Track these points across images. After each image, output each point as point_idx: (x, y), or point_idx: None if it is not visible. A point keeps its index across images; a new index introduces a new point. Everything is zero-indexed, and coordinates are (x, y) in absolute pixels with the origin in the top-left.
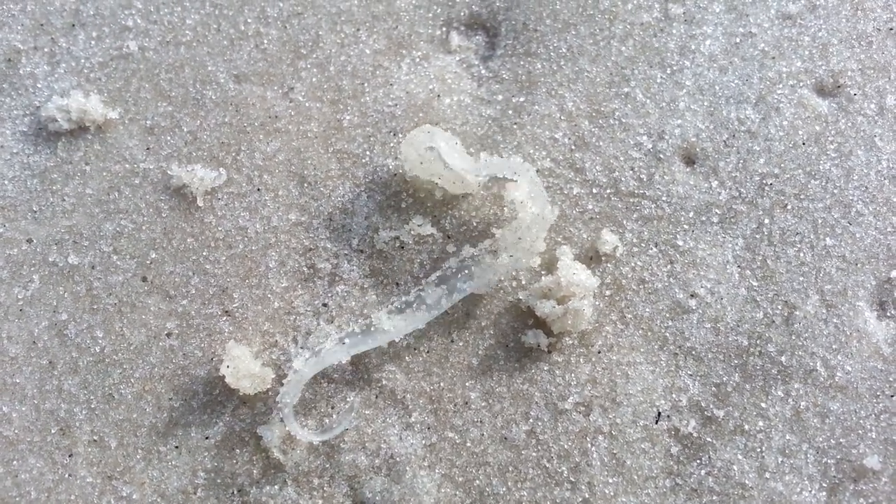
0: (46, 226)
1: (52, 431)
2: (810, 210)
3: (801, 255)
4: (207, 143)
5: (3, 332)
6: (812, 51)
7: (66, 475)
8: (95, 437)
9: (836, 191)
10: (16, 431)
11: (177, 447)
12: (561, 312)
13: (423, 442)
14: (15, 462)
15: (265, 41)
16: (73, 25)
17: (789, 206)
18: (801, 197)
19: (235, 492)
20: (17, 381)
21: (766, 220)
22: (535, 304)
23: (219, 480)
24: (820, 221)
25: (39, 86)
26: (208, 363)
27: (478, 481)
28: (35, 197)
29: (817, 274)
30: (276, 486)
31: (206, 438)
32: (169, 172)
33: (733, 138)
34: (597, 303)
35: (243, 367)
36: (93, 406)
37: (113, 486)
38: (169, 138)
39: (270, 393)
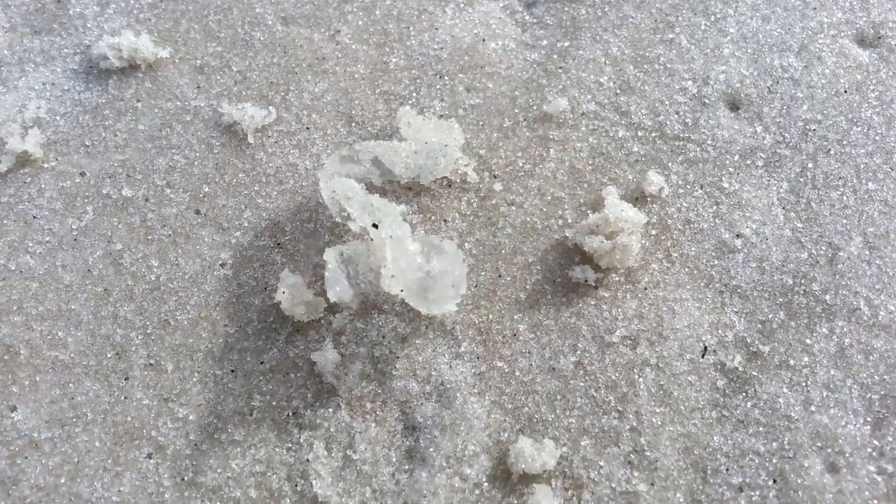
0: (99, 160)
1: (108, 356)
2: (852, 155)
3: (845, 198)
4: (256, 82)
5: (58, 260)
6: (853, 2)
7: (123, 397)
8: (151, 361)
9: (877, 137)
10: (71, 355)
11: (232, 371)
12: (609, 247)
13: (473, 370)
14: (71, 385)
15: None
16: None
17: (832, 152)
18: (844, 143)
19: (290, 414)
20: (73, 307)
21: (810, 165)
22: (583, 239)
23: (273, 403)
24: (862, 166)
25: (89, 25)
26: (262, 292)
27: (526, 408)
28: (87, 132)
29: (860, 217)
30: (330, 409)
31: (261, 363)
32: (220, 110)
33: (777, 85)
34: (643, 241)
35: (297, 295)
36: (149, 331)
37: (169, 408)
38: (219, 77)
39: (323, 322)
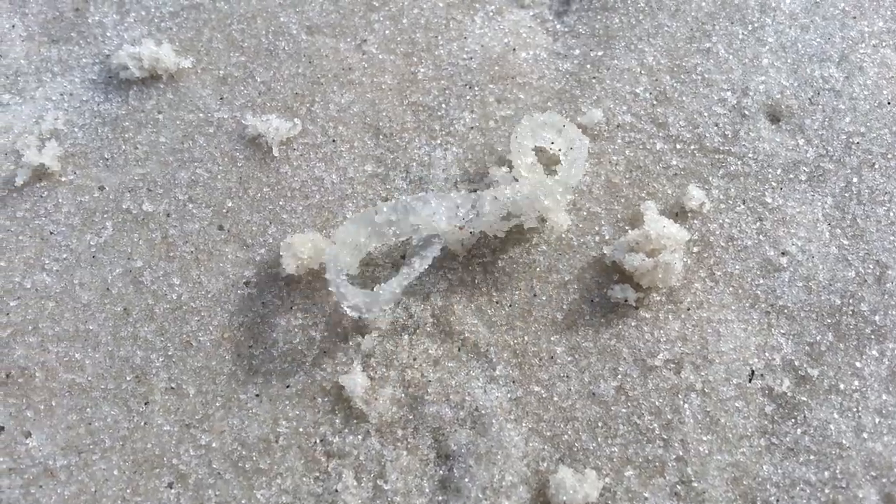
0: (119, 173)
1: (128, 379)
2: None
3: (891, 214)
4: (281, 93)
5: (76, 278)
6: (894, 11)
7: (142, 423)
8: (173, 385)
9: None
10: (89, 378)
11: (257, 395)
12: (651, 266)
13: (509, 395)
14: (88, 409)
15: None
16: None
17: (877, 165)
18: (889, 156)
19: (318, 441)
20: (91, 328)
21: (855, 179)
22: (623, 257)
23: (301, 429)
24: None
25: (109, 34)
26: (287, 311)
27: (566, 436)
28: (107, 145)
29: None
30: (360, 437)
31: (287, 387)
32: (243, 122)
33: (818, 96)
34: (685, 259)
35: (297, 243)
36: (170, 353)
37: (191, 434)
38: (242, 88)
39: (351, 344)
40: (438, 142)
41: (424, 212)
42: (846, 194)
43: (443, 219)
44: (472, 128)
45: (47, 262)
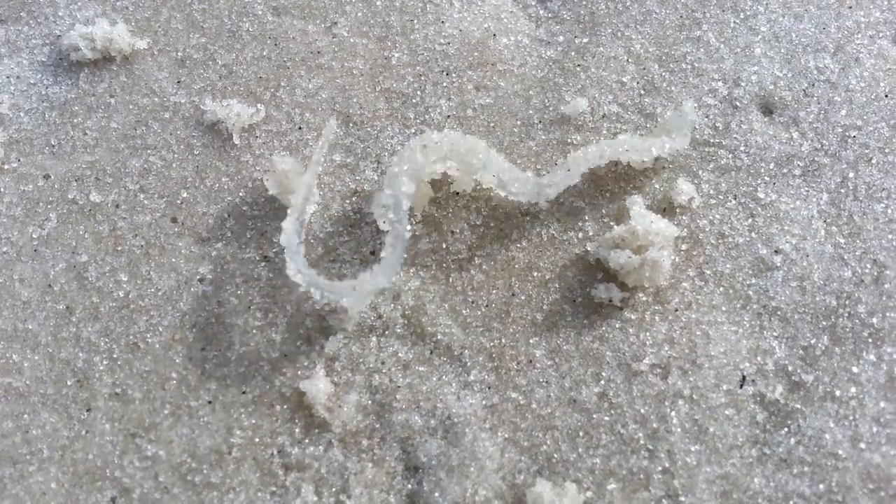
0: (66, 161)
1: (69, 383)
2: None
3: (890, 211)
4: (244, 77)
5: (16, 273)
6: (891, 1)
7: (84, 431)
8: (117, 391)
9: None
10: (27, 382)
11: (210, 402)
12: (637, 263)
13: (484, 402)
14: (26, 416)
15: None
16: None
17: (874, 160)
18: (886, 151)
19: (275, 452)
20: (30, 327)
21: (851, 174)
22: (608, 255)
23: (257, 439)
24: None
25: (61, 14)
26: (245, 311)
27: (545, 446)
28: (54, 130)
29: None
30: (321, 447)
31: (243, 393)
32: (202, 107)
33: (812, 88)
34: (673, 257)
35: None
36: (115, 356)
37: (136, 445)
38: (202, 71)
39: (314, 346)
40: (412, 131)
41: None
42: (842, 190)
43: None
44: (448, 116)
45: None
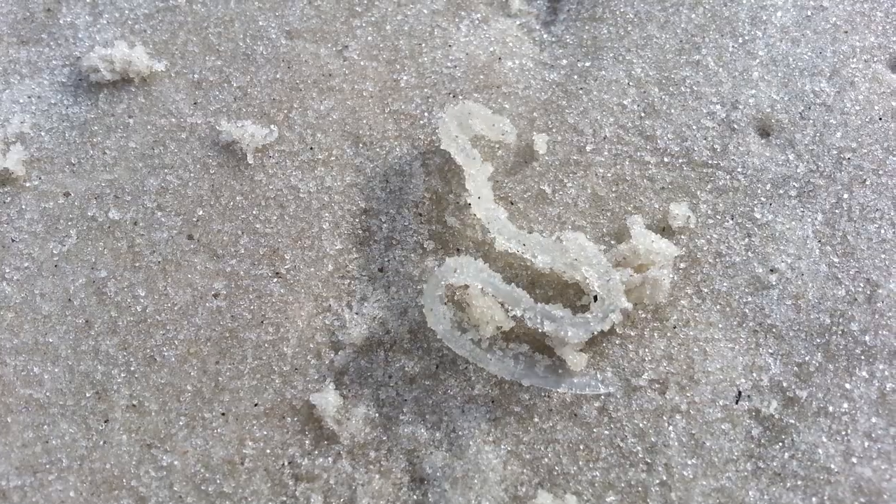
0: (85, 179)
1: (87, 395)
2: (889, 186)
3: (882, 231)
4: (258, 99)
5: (37, 288)
6: (885, 26)
7: (101, 442)
8: (134, 402)
9: None
10: (47, 394)
11: (223, 414)
12: (638, 282)
13: (488, 415)
14: (46, 426)
15: None
16: None
17: (868, 182)
18: (880, 172)
19: (286, 463)
20: (51, 340)
21: (845, 195)
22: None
23: (268, 451)
24: None
25: (80, 36)
26: (258, 326)
27: (546, 459)
28: (73, 149)
29: None
30: (330, 459)
31: (255, 406)
32: (217, 128)
33: (808, 111)
34: (672, 275)
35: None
36: (132, 369)
37: (152, 455)
38: (217, 93)
39: (324, 359)
40: (420, 151)
41: None
42: (837, 211)
43: None
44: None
45: (8, 270)
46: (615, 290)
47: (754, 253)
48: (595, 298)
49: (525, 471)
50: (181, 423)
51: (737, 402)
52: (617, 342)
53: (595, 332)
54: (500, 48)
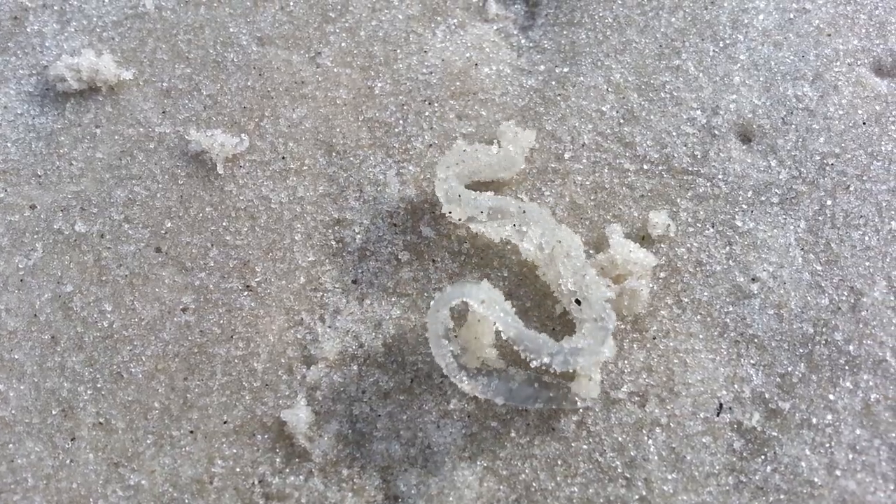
0: (52, 191)
1: (53, 413)
2: (874, 192)
3: (866, 238)
4: (228, 107)
5: (2, 303)
6: (869, 29)
7: (68, 461)
8: (101, 420)
9: None
10: (13, 412)
11: (191, 432)
12: (616, 293)
13: (463, 431)
14: (11, 445)
15: (291, 3)
16: None
17: (852, 188)
18: (864, 178)
19: (256, 482)
20: (16, 356)
21: (829, 202)
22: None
23: (238, 469)
24: (884, 204)
25: (48, 44)
26: (228, 341)
27: (524, 475)
28: (40, 160)
29: (884, 259)
30: (301, 477)
31: (225, 423)
32: (187, 137)
33: (791, 116)
34: (651, 285)
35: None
36: (99, 386)
37: (119, 474)
38: (187, 101)
39: (295, 374)
40: (395, 160)
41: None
42: (820, 218)
43: None
44: (430, 145)
45: None
46: (593, 284)
47: (735, 261)
48: (577, 302)
49: (502, 487)
50: (149, 442)
51: (718, 415)
52: None
53: (608, 356)
54: (476, 54)
